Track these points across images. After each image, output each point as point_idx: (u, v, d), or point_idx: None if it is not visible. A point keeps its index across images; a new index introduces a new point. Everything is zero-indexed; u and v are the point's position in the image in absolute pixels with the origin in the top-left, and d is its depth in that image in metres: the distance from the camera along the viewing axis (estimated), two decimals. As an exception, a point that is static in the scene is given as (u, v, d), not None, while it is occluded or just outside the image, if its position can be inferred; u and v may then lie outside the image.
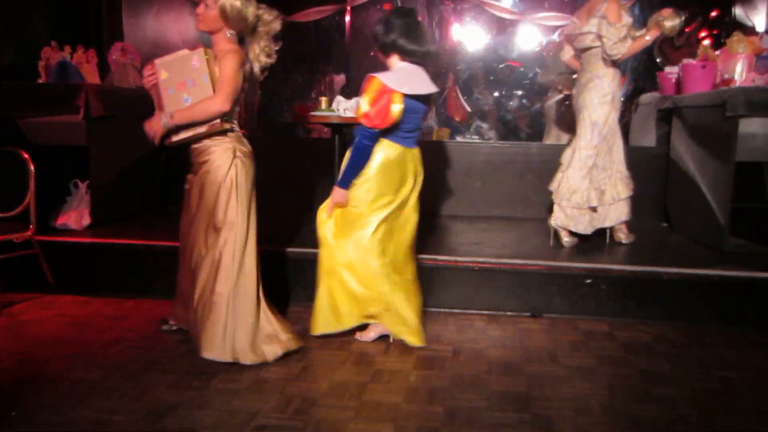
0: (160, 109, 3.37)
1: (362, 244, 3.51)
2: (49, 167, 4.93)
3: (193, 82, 3.25)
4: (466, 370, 3.31)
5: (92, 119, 5.09)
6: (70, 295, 4.52)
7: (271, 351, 3.36)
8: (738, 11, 7.42)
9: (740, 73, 4.67)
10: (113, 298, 4.45)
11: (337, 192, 3.53)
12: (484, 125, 8.70)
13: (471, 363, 3.40)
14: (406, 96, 3.36)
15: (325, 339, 3.69)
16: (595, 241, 4.91)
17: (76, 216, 5.14)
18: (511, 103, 8.76)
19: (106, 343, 3.64)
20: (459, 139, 8.46)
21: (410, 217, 3.66)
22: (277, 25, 3.49)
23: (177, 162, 6.48)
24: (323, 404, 2.91)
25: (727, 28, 7.07)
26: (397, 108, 3.33)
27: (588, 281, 4.17)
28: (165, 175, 6.39)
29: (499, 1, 7.80)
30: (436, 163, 6.17)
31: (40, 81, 5.55)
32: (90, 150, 5.21)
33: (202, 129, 3.29)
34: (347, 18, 8.42)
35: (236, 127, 3.42)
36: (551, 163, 6.01)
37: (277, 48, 3.55)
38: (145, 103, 5.81)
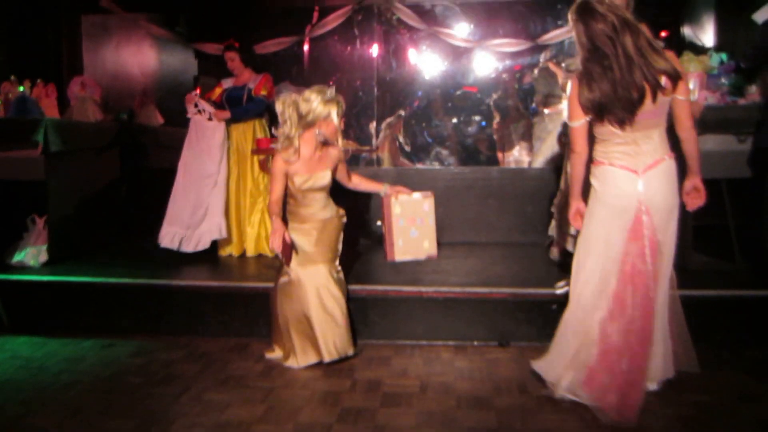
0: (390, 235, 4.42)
1: None
2: (6, 202, 4.81)
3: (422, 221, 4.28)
4: (434, 405, 3.25)
5: (51, 154, 4.99)
6: (25, 335, 4.39)
7: None
8: (687, 31, 7.56)
9: (693, 91, 4.74)
10: (70, 338, 4.32)
11: None
12: (444, 151, 8.75)
13: (439, 398, 3.35)
14: None
15: (290, 377, 3.63)
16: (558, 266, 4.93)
17: (32, 252, 5.01)
18: (469, 128, 8.85)
19: (62, 387, 3.52)
20: (419, 165, 8.49)
21: None
22: None
23: (137, 195, 6.42)
24: (289, 447, 2.84)
25: (677, 48, 7.21)
26: None
27: (554, 307, 4.16)
28: (125, 208, 6.29)
29: (453, 29, 7.85)
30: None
31: (-1, 116, 5.44)
32: (48, 185, 5.11)
33: None
34: (306, 47, 8.42)
35: None
36: (512, 187, 6.09)
37: None
38: (104, 136, 5.80)
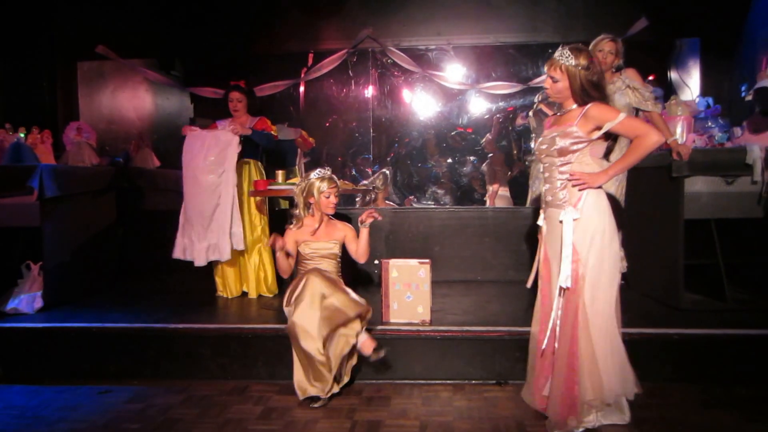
0: (387, 297, 4.46)
1: None
2: (0, 249, 4.80)
3: (417, 287, 4.41)
4: (434, 447, 3.24)
5: (46, 200, 5.01)
6: (19, 384, 4.34)
7: None
8: (674, 75, 7.71)
9: (681, 134, 4.83)
10: (65, 385, 4.28)
11: None
12: (440, 191, 8.85)
13: (439, 438, 3.33)
14: None
15: (290, 419, 3.61)
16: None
17: (27, 299, 5.00)
18: (464, 168, 8.97)
19: (58, 436, 3.48)
20: (415, 205, 8.56)
21: None
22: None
23: (134, 238, 6.44)
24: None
25: (665, 92, 7.33)
26: None
27: (551, 345, 4.16)
28: (121, 251, 6.29)
29: (446, 71, 7.96)
30: (393, 229, 6.22)
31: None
32: (43, 231, 5.10)
33: None
34: (301, 89, 8.54)
35: None
36: (507, 226, 6.13)
37: None
38: (100, 180, 5.83)
